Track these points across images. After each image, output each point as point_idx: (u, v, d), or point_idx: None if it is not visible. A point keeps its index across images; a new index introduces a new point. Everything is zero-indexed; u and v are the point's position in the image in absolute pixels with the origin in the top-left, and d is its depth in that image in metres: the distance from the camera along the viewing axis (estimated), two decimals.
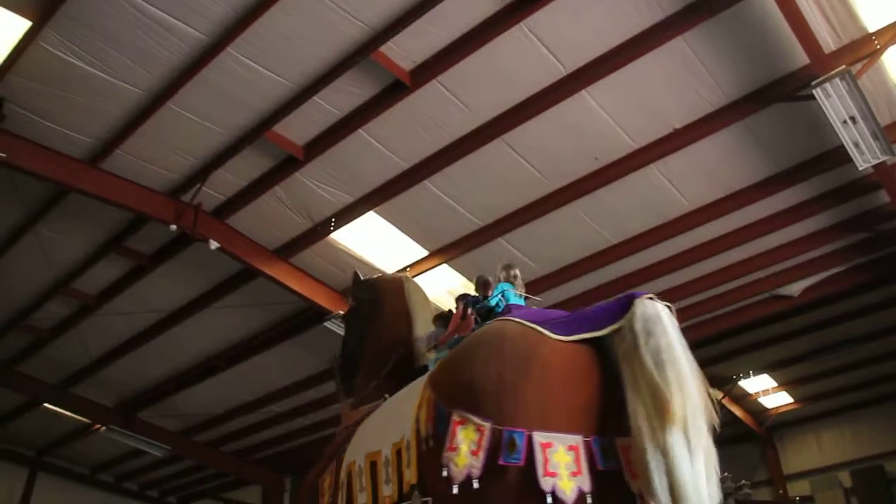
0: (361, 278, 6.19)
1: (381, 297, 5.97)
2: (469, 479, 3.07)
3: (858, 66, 7.08)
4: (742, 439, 17.87)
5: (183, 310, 12.02)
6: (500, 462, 2.99)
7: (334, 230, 9.80)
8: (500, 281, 5.10)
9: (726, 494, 15.19)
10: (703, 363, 11.52)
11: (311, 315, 11.47)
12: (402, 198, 9.29)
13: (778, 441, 17.90)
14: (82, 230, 10.58)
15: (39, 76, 7.91)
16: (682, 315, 10.89)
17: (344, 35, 7.35)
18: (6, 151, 8.19)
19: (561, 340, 3.34)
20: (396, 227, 9.89)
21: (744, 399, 16.59)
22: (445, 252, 10.16)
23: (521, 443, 3.01)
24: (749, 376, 15.32)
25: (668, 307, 3.40)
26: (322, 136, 8.66)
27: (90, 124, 8.63)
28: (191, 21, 7.26)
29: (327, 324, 10.79)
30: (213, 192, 9.59)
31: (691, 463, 2.87)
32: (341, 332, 10.71)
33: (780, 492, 17.11)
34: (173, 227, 9.45)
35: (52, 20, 7.19)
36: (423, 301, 5.96)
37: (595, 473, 3.03)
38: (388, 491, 4.16)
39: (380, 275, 6.68)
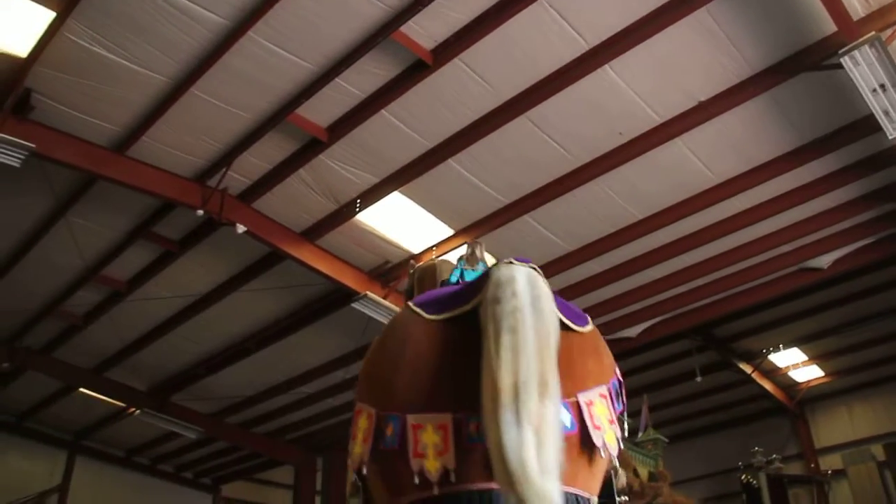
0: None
1: (417, 284, 6.02)
2: (361, 466, 3.07)
3: (889, 32, 6.93)
4: (773, 413, 17.81)
5: (212, 294, 12.17)
6: (381, 448, 2.98)
7: (360, 211, 9.83)
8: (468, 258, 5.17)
9: (757, 468, 15.21)
10: (732, 338, 11.69)
11: (339, 296, 11.55)
12: (427, 177, 9.30)
13: (809, 415, 17.80)
14: (111, 217, 10.73)
15: (65, 66, 7.99)
16: (709, 290, 10.99)
17: (364, 16, 7.34)
18: (35, 142, 8.28)
19: (432, 320, 3.21)
20: (422, 206, 9.91)
21: (774, 373, 16.49)
22: (471, 230, 10.15)
23: (396, 427, 2.98)
24: (779, 350, 15.23)
25: (533, 268, 3.14)
26: (345, 118, 8.68)
27: (116, 113, 8.72)
28: (212, 6, 7.29)
29: (355, 304, 10.83)
30: (239, 176, 9.66)
31: (519, 440, 2.68)
32: (369, 312, 10.87)
33: (812, 466, 17.03)
34: (200, 211, 9.55)
35: (75, 10, 7.25)
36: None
37: (462, 450, 2.95)
38: None
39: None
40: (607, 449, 3.33)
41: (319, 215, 10.23)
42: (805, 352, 15.75)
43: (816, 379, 16.84)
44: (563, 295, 10.45)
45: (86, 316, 13.14)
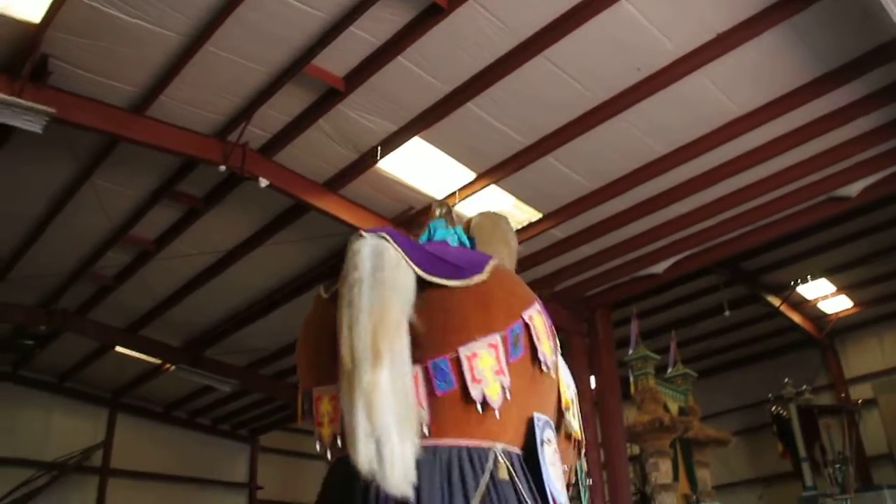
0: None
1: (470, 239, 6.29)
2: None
3: None
4: (802, 346, 17.85)
5: (239, 248, 12.29)
6: (307, 423, 3.24)
7: (380, 159, 9.79)
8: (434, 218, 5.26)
9: (787, 400, 15.29)
10: (760, 271, 11.68)
11: None
12: (446, 122, 9.22)
13: (839, 346, 17.83)
14: (135, 178, 10.82)
15: (79, 29, 7.96)
16: (735, 223, 10.94)
17: None
18: (55, 107, 8.30)
19: (325, 297, 3.28)
20: (442, 151, 9.84)
21: (803, 305, 16.49)
22: (493, 173, 10.12)
23: (308, 401, 3.17)
24: (807, 282, 15.19)
25: (383, 237, 3.23)
26: (361, 67, 8.60)
27: (133, 73, 8.69)
28: None
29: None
30: (259, 130, 9.64)
31: (351, 410, 2.82)
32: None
33: (842, 396, 17.12)
34: (222, 167, 9.59)
35: None
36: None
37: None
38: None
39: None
40: (487, 402, 3.39)
41: (341, 165, 10.22)
42: (834, 283, 15.69)
43: (846, 310, 16.80)
44: (588, 234, 10.50)
45: (116, 277, 13.37)
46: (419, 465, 3.48)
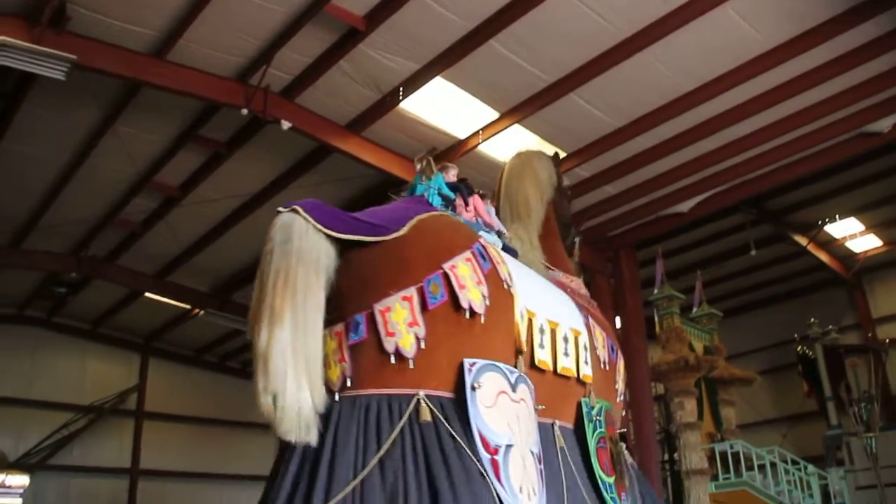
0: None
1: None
2: None
3: None
4: (829, 285, 17.72)
5: (263, 192, 12.36)
6: None
7: (403, 99, 9.73)
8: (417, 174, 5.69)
9: (813, 339, 15.24)
10: (787, 210, 11.53)
11: (388, 187, 11.55)
12: (469, 60, 9.10)
13: (867, 285, 17.66)
14: (158, 124, 10.87)
15: None
16: (762, 160, 10.76)
17: None
18: (76, 53, 8.31)
19: None
20: (465, 90, 9.75)
21: (830, 244, 16.31)
22: (516, 112, 10.02)
23: None
24: (835, 221, 14.99)
25: (295, 210, 3.86)
26: (382, 5, 8.48)
27: (151, 16, 8.66)
28: None
29: (404, 194, 10.87)
30: (280, 72, 9.60)
31: (256, 363, 3.56)
32: None
33: (869, 335, 17.01)
34: (244, 111, 9.59)
35: None
36: None
37: None
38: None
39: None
40: (399, 352, 3.98)
41: (363, 106, 10.17)
42: (862, 221, 15.47)
43: (874, 248, 16.59)
44: (613, 173, 10.42)
45: (143, 223, 13.53)
46: (338, 415, 3.93)
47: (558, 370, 4.98)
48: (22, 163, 11.48)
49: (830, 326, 15.40)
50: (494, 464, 4.06)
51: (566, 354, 5.07)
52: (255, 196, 12.49)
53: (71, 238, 14.14)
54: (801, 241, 15.51)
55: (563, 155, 10.52)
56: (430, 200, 5.28)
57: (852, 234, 15.86)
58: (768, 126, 10.43)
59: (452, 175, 5.97)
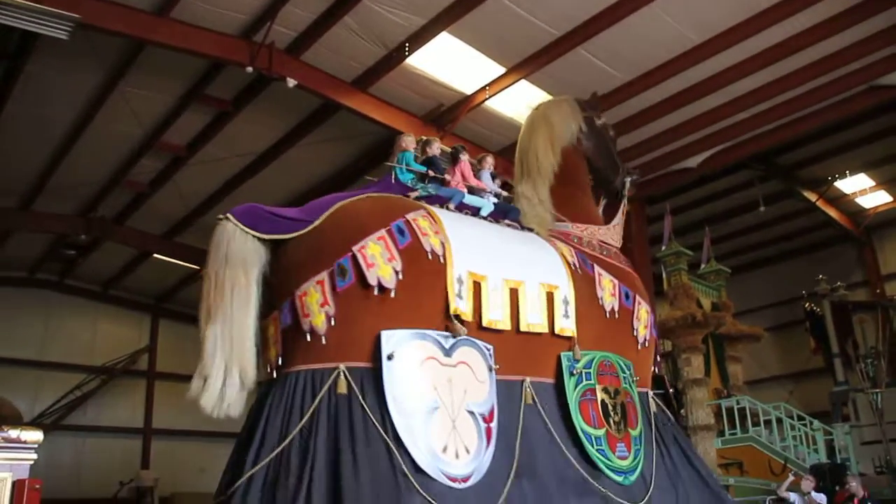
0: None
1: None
2: None
3: None
4: (838, 241, 17.65)
5: (270, 151, 12.33)
6: None
7: (409, 55, 9.66)
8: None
9: (822, 296, 15.22)
10: (797, 166, 11.46)
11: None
12: (475, 14, 8.99)
13: (876, 241, 17.57)
14: (163, 83, 10.80)
15: None
16: (772, 115, 10.65)
17: None
18: (79, 12, 8.21)
19: None
20: (471, 45, 9.67)
21: (840, 200, 16.23)
22: (523, 67, 9.94)
23: None
24: (846, 177, 14.88)
25: (227, 218, 4.73)
26: None
27: None
28: None
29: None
30: (284, 29, 9.51)
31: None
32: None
33: (878, 291, 16.95)
34: (249, 68, 9.53)
35: None
36: None
37: None
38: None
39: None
40: (313, 330, 4.64)
41: (369, 62, 10.10)
42: (873, 177, 15.36)
43: (885, 204, 16.49)
44: (621, 127, 10.40)
45: (151, 183, 13.52)
46: (273, 390, 4.62)
47: (522, 328, 5.37)
48: (28, 125, 11.45)
49: (839, 283, 15.35)
50: (410, 428, 4.53)
51: (534, 311, 5.44)
52: (262, 155, 12.45)
53: (79, 200, 14.17)
54: (811, 197, 15.43)
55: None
56: (400, 178, 5.85)
57: (862, 189, 15.74)
58: (778, 80, 10.33)
59: (436, 148, 6.41)
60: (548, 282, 5.60)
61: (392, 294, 4.77)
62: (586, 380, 5.59)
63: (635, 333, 6.14)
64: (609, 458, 5.45)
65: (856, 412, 13.98)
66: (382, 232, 4.92)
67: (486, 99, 10.39)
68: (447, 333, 4.92)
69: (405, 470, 4.40)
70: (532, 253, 5.78)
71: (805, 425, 13.39)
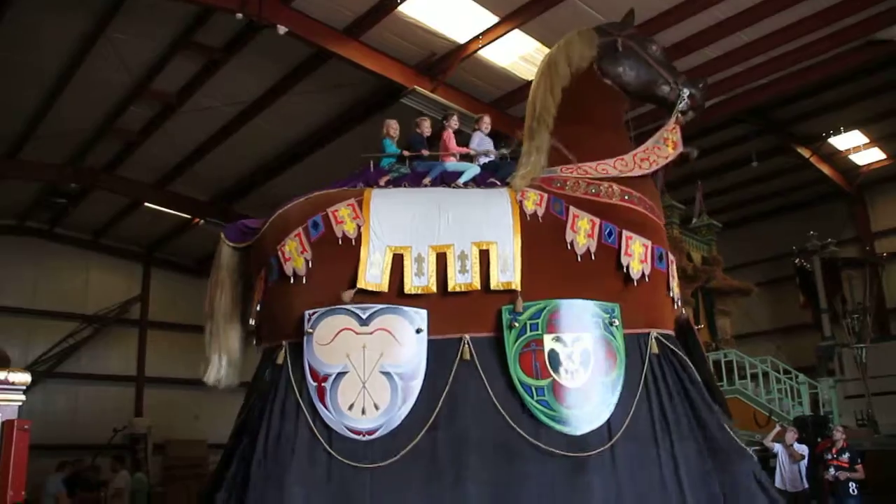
0: None
1: None
2: None
3: None
4: (830, 198, 17.69)
5: (261, 100, 12.20)
6: None
7: (401, 3, 9.53)
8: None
9: (812, 252, 15.29)
10: (791, 121, 11.40)
11: (387, 93, 11.45)
12: None
13: (868, 198, 17.62)
14: (151, 29, 10.62)
15: None
16: (767, 68, 10.58)
17: None
18: None
19: None
20: None
21: (833, 157, 16.21)
22: (516, 17, 9.82)
23: None
24: (840, 133, 14.83)
25: (215, 222, 6.80)
26: None
27: None
28: None
29: (404, 100, 10.75)
30: None
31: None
32: (418, 107, 10.82)
33: (868, 249, 17.02)
34: (239, 15, 9.39)
35: None
36: None
37: None
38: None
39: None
40: (255, 317, 6.09)
41: (360, 10, 9.95)
42: (867, 134, 15.32)
43: (878, 161, 16.48)
44: None
45: (141, 132, 13.40)
46: (259, 368, 6.12)
47: (450, 289, 5.70)
48: (13, 71, 11.27)
49: (829, 239, 15.40)
50: (321, 390, 5.53)
51: (463, 272, 5.74)
52: (253, 103, 12.33)
53: (68, 148, 14.04)
54: (805, 153, 15.40)
55: None
56: (381, 165, 6.74)
57: (856, 146, 15.71)
58: (774, 33, 10.25)
59: (426, 128, 6.97)
60: (482, 239, 5.80)
61: (304, 280, 5.82)
62: (531, 331, 5.59)
63: (624, 271, 5.73)
64: (553, 409, 5.38)
65: (841, 367, 14.18)
66: (299, 229, 5.95)
67: (479, 48, 10.28)
68: (366, 305, 5.68)
69: (312, 426, 5.39)
70: (473, 213, 5.95)
71: (791, 379, 13.58)
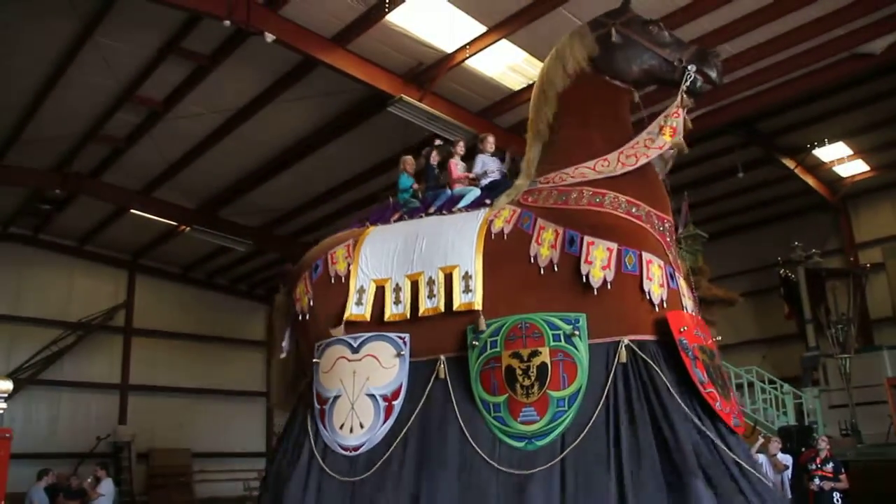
0: None
1: None
2: None
3: None
4: (815, 209, 17.80)
5: (248, 107, 12.17)
6: None
7: (389, 11, 9.52)
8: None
9: (796, 263, 15.38)
10: (776, 133, 11.38)
11: (375, 102, 11.46)
12: None
13: (852, 210, 17.74)
14: (139, 35, 10.58)
15: None
16: (752, 80, 10.60)
17: None
18: None
19: None
20: (451, 3, 9.54)
21: (818, 168, 16.32)
22: (504, 27, 9.85)
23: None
24: (824, 145, 14.94)
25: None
26: None
27: None
28: None
29: (391, 109, 10.74)
30: None
31: None
32: (405, 116, 10.84)
33: (851, 259, 17.14)
34: (227, 22, 9.34)
35: None
36: None
37: None
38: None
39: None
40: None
41: (348, 18, 9.94)
42: (851, 146, 15.44)
43: (862, 173, 16.61)
44: None
45: (127, 138, 13.33)
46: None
47: (420, 313, 6.02)
48: None
49: (814, 250, 15.51)
50: (322, 413, 6.24)
51: (431, 297, 6.03)
52: (240, 111, 12.30)
53: (54, 154, 13.95)
54: (790, 164, 15.50)
55: None
56: (399, 198, 7.25)
57: (840, 158, 15.83)
58: (760, 45, 10.32)
59: (434, 157, 7.37)
60: (447, 263, 6.05)
61: (308, 317, 6.66)
62: (491, 348, 5.63)
63: (585, 280, 5.40)
64: (508, 425, 5.38)
65: (825, 377, 14.26)
66: (305, 273, 6.84)
67: (467, 58, 10.30)
68: (358, 334, 6.29)
69: (312, 445, 6.14)
70: (442, 239, 6.20)
71: (776, 389, 13.62)
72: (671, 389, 5.17)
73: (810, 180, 16.39)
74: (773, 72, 10.87)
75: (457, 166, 7.09)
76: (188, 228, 16.08)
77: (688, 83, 5.90)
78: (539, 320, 5.49)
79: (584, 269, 5.45)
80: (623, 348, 5.30)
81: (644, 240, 5.61)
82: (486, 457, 5.31)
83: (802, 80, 11.22)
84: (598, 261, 5.46)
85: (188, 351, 19.92)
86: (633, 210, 5.72)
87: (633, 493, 4.84)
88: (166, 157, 13.80)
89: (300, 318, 6.67)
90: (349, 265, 6.52)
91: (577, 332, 5.36)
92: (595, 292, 5.41)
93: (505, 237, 5.89)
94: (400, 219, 6.90)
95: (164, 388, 19.06)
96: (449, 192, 6.87)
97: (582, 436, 5.13)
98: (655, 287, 5.44)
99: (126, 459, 17.18)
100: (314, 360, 6.44)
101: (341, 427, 6.07)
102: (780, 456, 9.83)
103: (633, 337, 5.36)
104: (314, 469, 6.01)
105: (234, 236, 16.38)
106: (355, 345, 6.25)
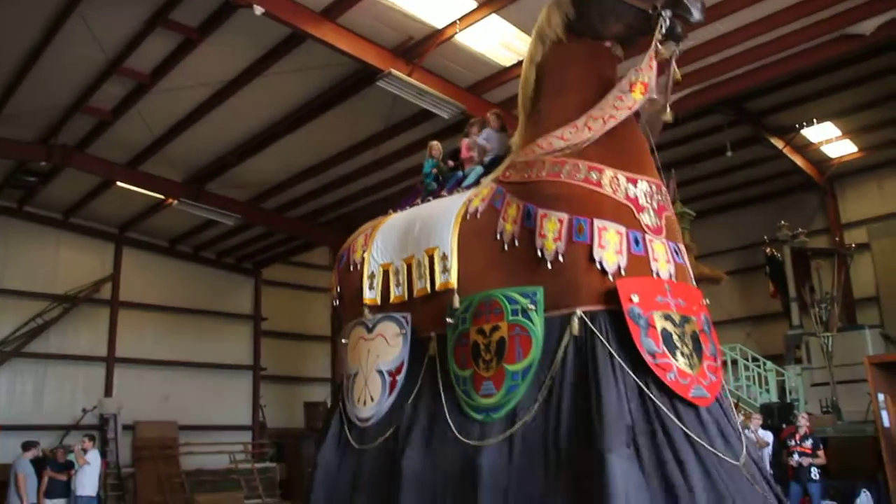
0: None
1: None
2: None
3: None
4: (802, 189, 17.91)
5: (237, 80, 12.06)
6: None
7: None
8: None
9: (782, 242, 15.49)
10: (766, 112, 11.41)
11: (363, 76, 11.39)
12: None
13: (838, 190, 17.86)
14: (125, 6, 10.43)
15: None
16: (742, 59, 10.61)
17: None
18: None
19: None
20: None
21: (806, 148, 16.40)
22: (494, 1, 9.77)
23: None
24: (813, 125, 15.00)
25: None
26: None
27: None
28: None
29: (380, 83, 10.69)
30: None
31: None
32: (394, 90, 10.80)
33: (837, 239, 17.28)
34: None
35: None
36: None
37: None
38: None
39: None
40: None
41: None
42: (839, 126, 15.52)
43: (849, 154, 16.72)
44: None
45: (114, 111, 13.19)
46: None
47: (414, 294, 6.46)
48: None
49: (800, 230, 15.63)
50: (346, 388, 6.88)
51: (420, 278, 6.42)
52: (227, 84, 12.18)
53: (39, 126, 13.80)
54: (778, 143, 15.56)
55: None
56: (426, 186, 7.53)
57: (828, 138, 15.92)
58: (749, 24, 10.29)
59: (474, 132, 7.33)
60: (429, 245, 6.35)
61: (338, 303, 7.45)
62: (462, 325, 5.86)
63: (540, 253, 5.38)
64: (471, 398, 5.57)
65: (808, 355, 14.44)
66: (337, 266, 7.58)
67: (457, 33, 10.24)
68: (374, 316, 6.81)
69: (342, 416, 6.79)
70: (430, 221, 6.51)
71: (759, 367, 13.80)
72: (612, 361, 4.99)
73: (798, 160, 16.47)
74: (762, 51, 10.85)
75: (465, 148, 7.24)
76: (175, 201, 15.99)
77: (663, 31, 5.43)
78: (500, 296, 5.57)
79: (538, 242, 5.44)
80: (576, 320, 5.16)
81: (599, 206, 5.37)
82: (455, 430, 5.56)
83: (792, 59, 11.21)
84: (551, 233, 5.39)
85: (175, 324, 19.88)
86: (594, 176, 5.45)
87: (565, 468, 4.86)
88: (153, 129, 13.68)
89: (335, 304, 7.47)
90: (364, 253, 7.05)
91: (532, 307, 5.36)
92: (549, 265, 5.36)
93: (478, 216, 6.04)
94: (415, 204, 7.36)
95: (151, 360, 19.02)
96: (460, 173, 7.13)
97: (529, 409, 5.15)
98: (609, 254, 5.24)
99: (112, 431, 17.20)
100: (342, 341, 7.17)
101: (358, 400, 6.64)
102: (761, 432, 9.98)
103: (585, 308, 5.21)
104: (343, 437, 6.68)
105: (222, 209, 16.31)
106: (370, 326, 6.80)
